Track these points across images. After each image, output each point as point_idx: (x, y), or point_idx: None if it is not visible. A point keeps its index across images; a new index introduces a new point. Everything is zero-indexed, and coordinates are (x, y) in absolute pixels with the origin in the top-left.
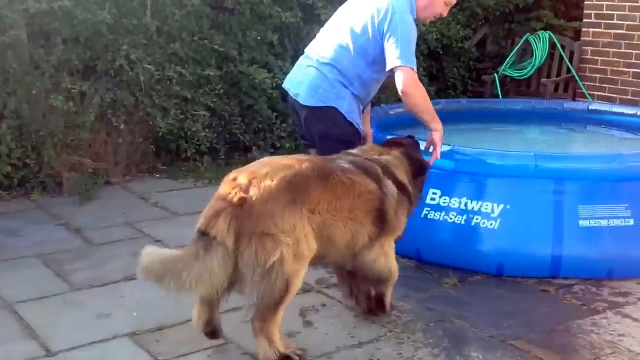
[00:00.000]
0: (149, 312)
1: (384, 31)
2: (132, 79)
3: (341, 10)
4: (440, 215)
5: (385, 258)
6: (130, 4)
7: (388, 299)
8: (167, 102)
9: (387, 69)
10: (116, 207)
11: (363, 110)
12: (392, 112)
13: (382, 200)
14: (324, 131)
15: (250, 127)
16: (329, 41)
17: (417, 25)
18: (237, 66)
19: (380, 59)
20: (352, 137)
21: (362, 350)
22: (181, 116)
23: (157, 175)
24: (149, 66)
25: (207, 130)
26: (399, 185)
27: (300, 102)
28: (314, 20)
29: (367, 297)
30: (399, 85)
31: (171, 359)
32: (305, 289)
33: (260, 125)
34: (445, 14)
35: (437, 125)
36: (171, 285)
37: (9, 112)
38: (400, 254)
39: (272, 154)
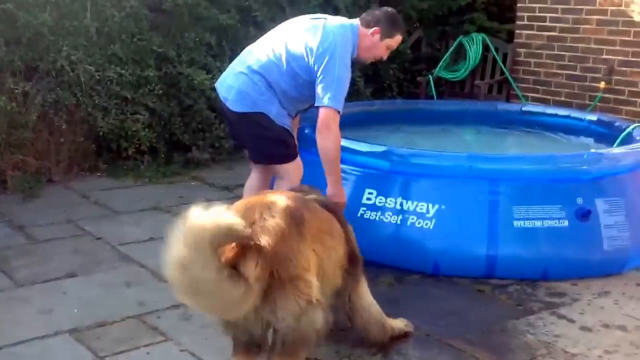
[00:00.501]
0: (90, 309)
1: (321, 66)
2: (73, 79)
3: (287, 24)
4: (376, 215)
5: (370, 303)
6: (70, 6)
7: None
8: (108, 102)
9: (316, 104)
10: (58, 205)
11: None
12: None
13: (347, 235)
14: (256, 133)
15: (189, 127)
16: (264, 52)
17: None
18: (176, 67)
19: (309, 85)
20: (285, 138)
21: None
22: (121, 116)
23: (99, 174)
24: (90, 67)
25: (147, 130)
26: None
27: (229, 107)
28: (250, 22)
29: None
30: (319, 123)
31: (111, 355)
32: None
33: (199, 125)
34: (385, 57)
35: (333, 179)
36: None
37: None
38: None
39: (211, 153)
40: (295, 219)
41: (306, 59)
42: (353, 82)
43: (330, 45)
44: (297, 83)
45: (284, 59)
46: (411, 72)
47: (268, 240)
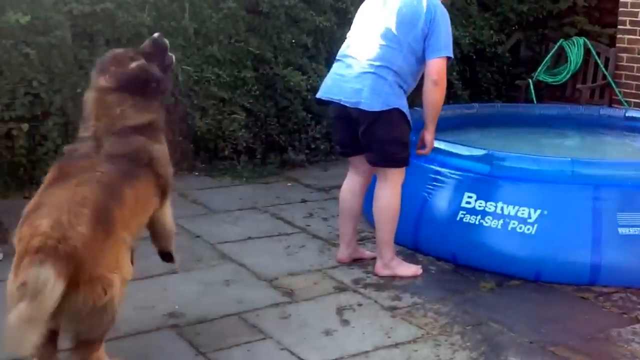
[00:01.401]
0: (191, 306)
1: (429, 25)
2: (171, 79)
3: (370, 10)
4: (475, 219)
5: (169, 217)
6: (169, 7)
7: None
8: (205, 102)
9: (431, 57)
10: None
11: None
12: None
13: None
14: (386, 134)
15: (285, 128)
16: (374, 43)
17: None
18: (272, 68)
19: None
20: (408, 138)
21: (399, 351)
22: (219, 116)
23: (196, 174)
24: (188, 67)
25: (244, 130)
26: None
27: (365, 109)
28: (347, 23)
29: None
30: (434, 75)
31: (212, 352)
32: (342, 288)
33: (295, 127)
34: None
35: (434, 127)
36: None
37: (55, 110)
38: (435, 256)
39: (307, 154)
40: (102, 219)
41: (418, 26)
42: (450, 85)
43: (427, 4)
44: (417, 57)
45: (399, 39)
46: (510, 76)
47: (67, 239)
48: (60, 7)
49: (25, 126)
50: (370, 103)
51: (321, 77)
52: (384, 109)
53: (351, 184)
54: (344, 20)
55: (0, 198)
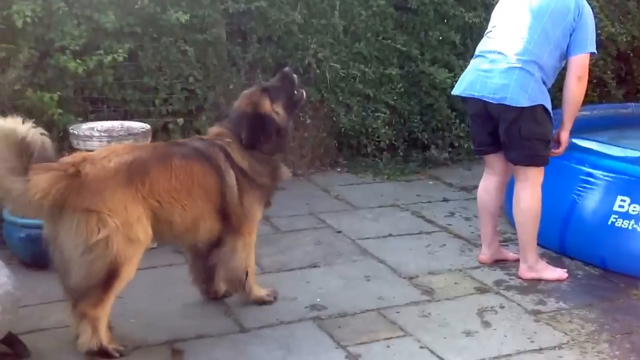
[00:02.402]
0: (332, 299)
1: (577, 20)
2: (319, 76)
3: (513, 4)
4: (629, 224)
5: (245, 253)
6: (319, 5)
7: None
8: (351, 99)
9: (576, 53)
10: (301, 198)
11: None
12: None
13: (223, 191)
14: (530, 131)
15: (429, 125)
16: (521, 37)
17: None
18: (418, 65)
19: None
20: (550, 135)
21: (544, 357)
22: (363, 113)
23: (339, 169)
24: (335, 64)
25: (387, 127)
26: (239, 171)
27: (512, 104)
28: None
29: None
30: (580, 70)
31: (353, 345)
32: (484, 290)
33: (439, 124)
34: None
35: (570, 126)
36: None
37: (209, 105)
38: (583, 260)
39: (449, 152)
40: (133, 169)
41: (567, 19)
42: (604, 84)
43: (574, 2)
44: (562, 52)
45: (547, 33)
46: None
47: (87, 171)
48: (217, 6)
49: (180, 120)
50: (517, 98)
51: None
52: (530, 104)
53: (487, 183)
54: None
55: None
